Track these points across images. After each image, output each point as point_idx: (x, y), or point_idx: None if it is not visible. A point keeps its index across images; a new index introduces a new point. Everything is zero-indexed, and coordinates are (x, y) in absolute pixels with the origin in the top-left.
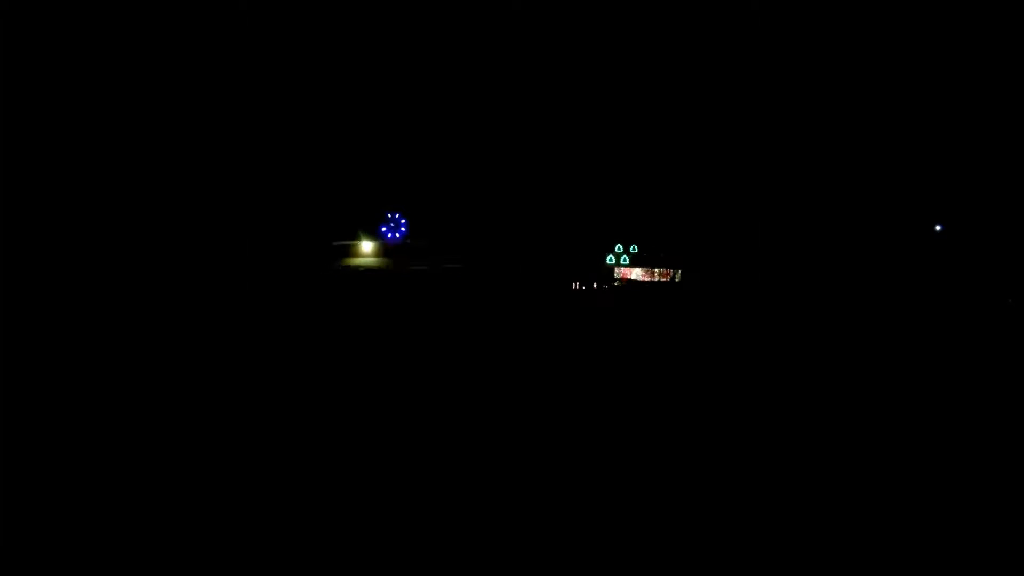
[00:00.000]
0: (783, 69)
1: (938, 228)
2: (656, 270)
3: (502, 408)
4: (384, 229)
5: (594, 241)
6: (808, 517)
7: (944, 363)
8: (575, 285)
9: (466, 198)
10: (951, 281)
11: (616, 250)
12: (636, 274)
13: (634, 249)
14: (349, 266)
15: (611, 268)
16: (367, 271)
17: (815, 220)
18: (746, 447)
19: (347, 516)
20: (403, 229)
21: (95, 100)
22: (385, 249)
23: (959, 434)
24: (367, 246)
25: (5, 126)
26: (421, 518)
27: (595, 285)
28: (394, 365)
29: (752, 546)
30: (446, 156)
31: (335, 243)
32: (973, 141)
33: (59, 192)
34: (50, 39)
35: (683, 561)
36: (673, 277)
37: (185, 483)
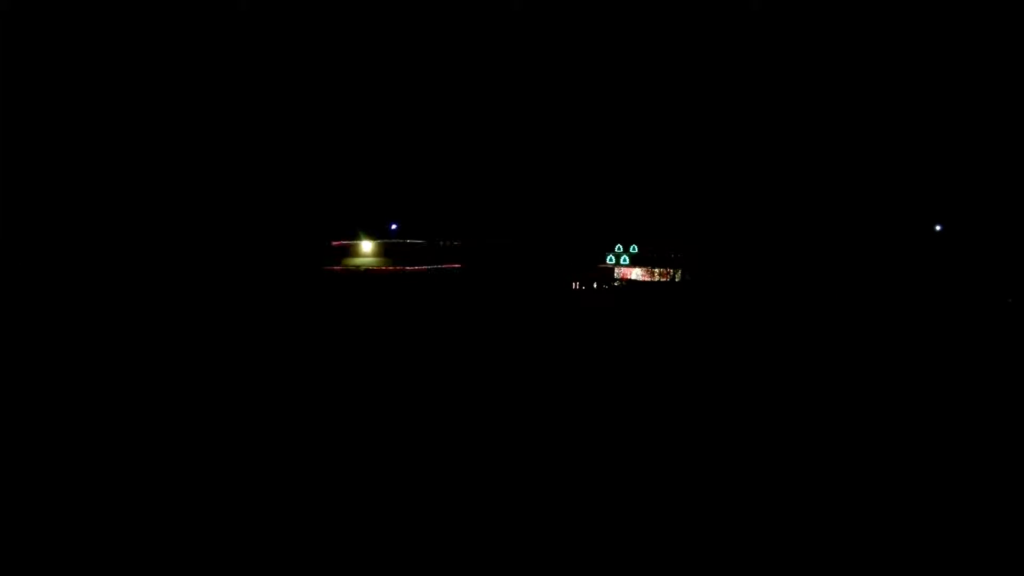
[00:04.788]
0: (783, 70)
1: (938, 228)
2: (656, 270)
3: (502, 406)
4: (393, 228)
5: (594, 241)
6: (809, 512)
7: (944, 362)
8: (575, 285)
9: (466, 199)
10: (951, 281)
11: (616, 250)
12: (636, 274)
13: (634, 249)
14: (348, 266)
15: (611, 268)
16: (367, 271)
17: (815, 220)
18: (747, 444)
19: (348, 511)
20: (393, 227)
21: (97, 101)
22: (384, 249)
23: (959, 431)
24: (367, 246)
25: (5, 126)
26: (421, 514)
27: (595, 285)
28: (394, 364)
29: (752, 543)
30: (446, 157)
31: (335, 243)
32: (973, 141)
33: (59, 192)
34: (50, 39)
35: (683, 558)
36: (673, 277)
37: (184, 479)
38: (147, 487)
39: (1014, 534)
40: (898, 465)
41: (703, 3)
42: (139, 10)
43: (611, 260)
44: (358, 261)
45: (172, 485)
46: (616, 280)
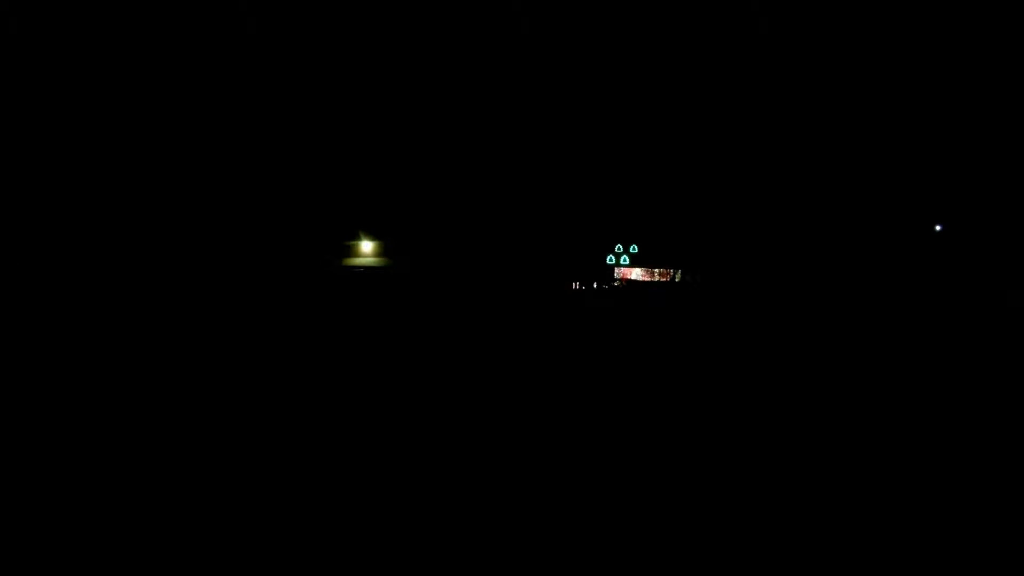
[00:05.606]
0: (783, 70)
1: (938, 228)
2: (656, 270)
3: (502, 409)
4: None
5: (594, 241)
6: (808, 518)
7: (944, 363)
8: (575, 285)
9: (467, 199)
10: (951, 281)
11: (616, 250)
12: (636, 274)
13: (634, 249)
14: (349, 265)
15: (611, 268)
16: (367, 271)
17: (815, 220)
18: (747, 448)
19: (347, 517)
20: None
21: (106, 103)
22: (385, 249)
23: (959, 434)
24: (367, 246)
25: (6, 126)
26: (421, 519)
27: (595, 285)
28: (395, 365)
29: (752, 547)
30: (448, 156)
31: (339, 243)
32: (973, 141)
33: (65, 194)
34: (51, 39)
35: (683, 562)
36: (673, 277)
37: (185, 484)
38: (147, 486)
39: (1014, 534)
40: (898, 465)
41: (702, 3)
42: (147, 10)
43: (611, 260)
44: (358, 261)
45: (172, 484)
46: (616, 280)
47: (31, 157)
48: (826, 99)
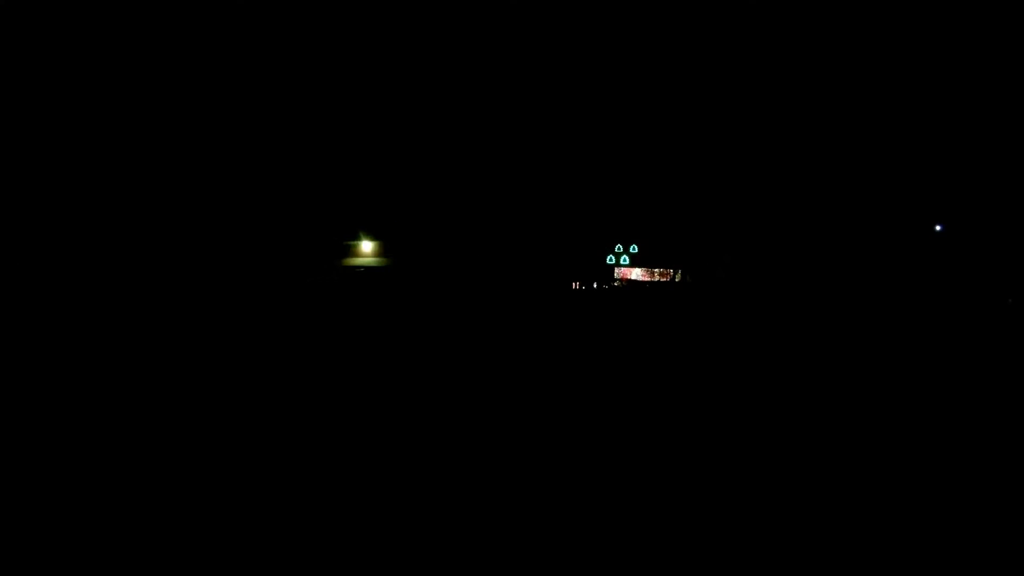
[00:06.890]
0: (783, 70)
1: (938, 228)
2: (656, 270)
3: (502, 408)
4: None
5: (594, 241)
6: (808, 518)
7: (944, 363)
8: (575, 285)
9: (467, 199)
10: (951, 281)
11: (616, 250)
12: (636, 274)
13: (634, 249)
14: (349, 265)
15: (611, 268)
16: (367, 271)
17: (815, 220)
18: (746, 448)
19: (347, 516)
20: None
21: (105, 103)
22: (385, 249)
23: (959, 434)
24: (367, 246)
25: (6, 127)
26: (421, 519)
27: (595, 285)
28: (395, 364)
29: (751, 547)
30: (447, 156)
31: (338, 243)
32: (973, 141)
33: (64, 194)
34: (52, 40)
35: (683, 561)
36: (673, 277)
37: (186, 484)
38: (147, 486)
39: (1014, 534)
40: (898, 466)
41: (702, 3)
42: (147, 10)
43: (611, 260)
44: (358, 261)
45: (172, 484)
46: (616, 280)
47: (31, 157)
48: (826, 99)
